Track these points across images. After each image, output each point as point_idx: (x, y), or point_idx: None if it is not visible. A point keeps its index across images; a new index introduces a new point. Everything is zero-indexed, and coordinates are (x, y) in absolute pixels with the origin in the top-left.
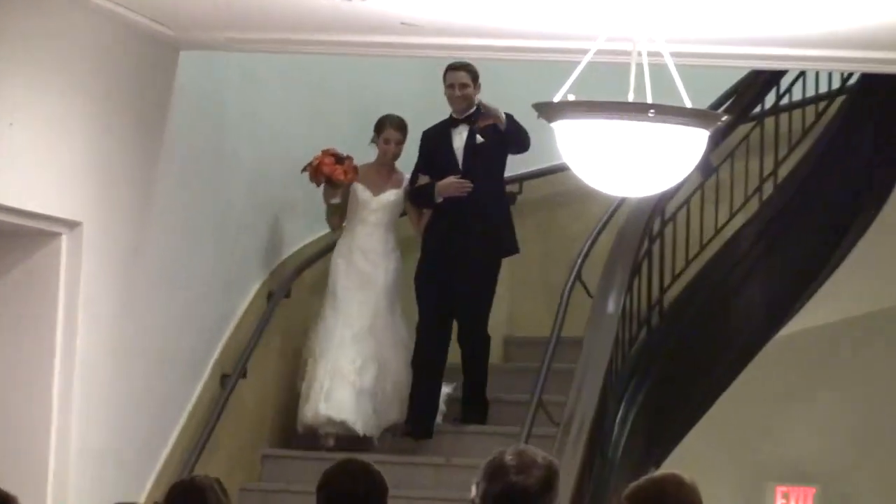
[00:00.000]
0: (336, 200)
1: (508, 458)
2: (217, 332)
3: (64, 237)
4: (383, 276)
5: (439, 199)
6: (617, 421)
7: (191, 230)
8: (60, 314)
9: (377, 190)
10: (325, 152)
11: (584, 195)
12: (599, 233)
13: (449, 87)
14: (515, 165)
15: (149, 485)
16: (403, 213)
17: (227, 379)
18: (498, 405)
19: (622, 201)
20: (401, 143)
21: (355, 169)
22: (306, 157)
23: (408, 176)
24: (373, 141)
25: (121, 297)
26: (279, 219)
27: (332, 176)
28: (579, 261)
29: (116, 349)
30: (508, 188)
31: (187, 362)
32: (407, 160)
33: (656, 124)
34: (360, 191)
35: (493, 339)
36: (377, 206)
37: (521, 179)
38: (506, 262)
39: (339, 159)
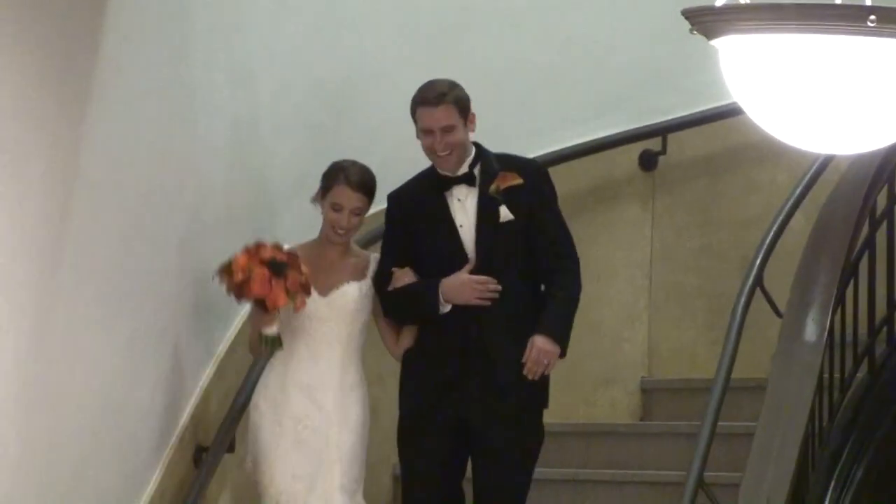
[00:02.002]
0: (271, 331)
1: None
2: (187, 381)
3: None
4: (338, 431)
5: (446, 309)
6: None
7: (141, 223)
8: None
9: (327, 284)
10: (253, 251)
11: (764, 155)
12: (791, 215)
13: (424, 132)
14: (658, 111)
15: None
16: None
17: (205, 454)
18: (632, 489)
19: (826, 163)
20: (360, 213)
21: (306, 285)
22: (335, 104)
23: (375, 258)
24: (314, 200)
25: (27, 321)
26: (282, 202)
27: (268, 301)
28: (759, 259)
29: (28, 407)
30: (646, 144)
31: (141, 428)
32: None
33: (880, 39)
34: None
35: (626, 385)
36: (329, 312)
37: (664, 131)
38: (642, 267)
39: (277, 267)
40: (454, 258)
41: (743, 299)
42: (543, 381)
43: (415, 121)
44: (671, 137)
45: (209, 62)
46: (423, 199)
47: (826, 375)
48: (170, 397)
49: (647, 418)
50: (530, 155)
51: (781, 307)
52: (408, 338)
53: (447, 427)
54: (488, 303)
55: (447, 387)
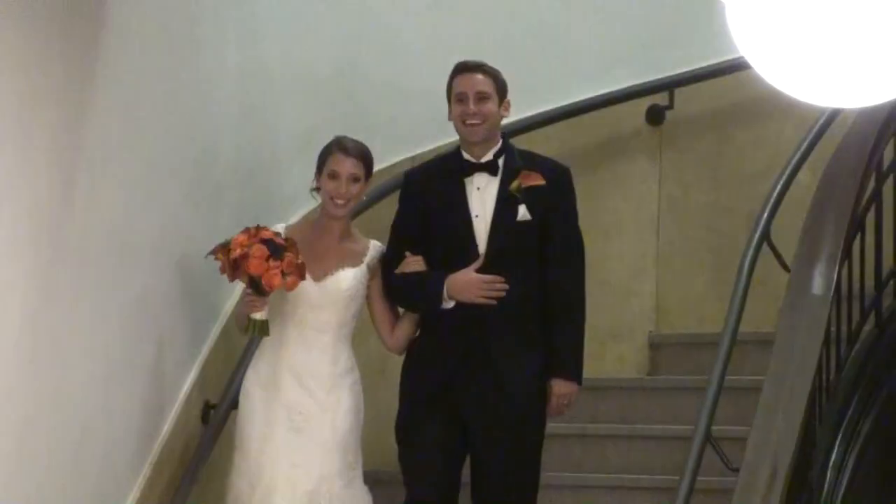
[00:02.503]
0: (261, 315)
1: None
2: (195, 338)
3: None
4: (331, 418)
5: (448, 305)
6: (830, 465)
7: (150, 181)
8: None
9: (321, 269)
10: (253, 231)
11: (771, 109)
12: (797, 168)
13: (458, 100)
14: (665, 65)
15: None
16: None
17: (214, 411)
18: (639, 444)
19: (833, 117)
20: (359, 180)
21: (301, 267)
22: (343, 61)
23: (375, 245)
24: (314, 189)
25: (34, 280)
26: (290, 158)
27: (262, 280)
28: (766, 213)
29: (33, 364)
30: (653, 99)
31: (149, 385)
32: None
33: None
34: None
35: (634, 340)
36: (322, 298)
37: (671, 86)
38: (650, 221)
39: (276, 249)
40: (465, 247)
41: (750, 253)
42: (545, 385)
43: (449, 96)
44: (678, 92)
45: (218, 19)
46: (441, 180)
47: (833, 329)
48: (177, 354)
49: (654, 373)
50: (538, 109)
51: (789, 261)
52: (404, 329)
53: (446, 419)
54: (494, 302)
55: (447, 385)
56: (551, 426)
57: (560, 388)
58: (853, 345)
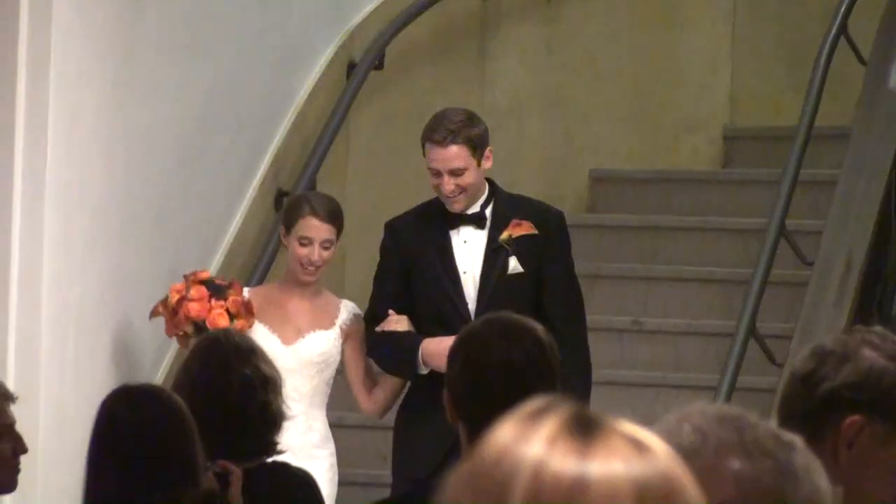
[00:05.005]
0: None
1: None
2: (269, 122)
3: None
4: None
5: (424, 370)
6: None
7: None
8: (21, 103)
9: (292, 333)
10: (190, 275)
11: None
12: None
13: (432, 172)
14: None
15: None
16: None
17: (285, 199)
18: (712, 236)
19: None
20: (331, 245)
21: (248, 304)
22: None
23: (347, 305)
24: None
25: (115, 69)
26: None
27: (207, 323)
28: (843, 6)
29: (109, 151)
30: None
31: (221, 173)
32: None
33: None
34: (261, 335)
35: (708, 132)
36: (294, 362)
37: None
38: (725, 14)
39: (217, 289)
40: (453, 306)
41: (827, 46)
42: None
43: (424, 155)
44: None
45: None
46: (424, 234)
47: None
48: (251, 142)
49: (729, 165)
50: None
51: (865, 55)
52: (384, 391)
53: None
54: None
55: (447, 456)
56: (623, 217)
57: None
58: None
